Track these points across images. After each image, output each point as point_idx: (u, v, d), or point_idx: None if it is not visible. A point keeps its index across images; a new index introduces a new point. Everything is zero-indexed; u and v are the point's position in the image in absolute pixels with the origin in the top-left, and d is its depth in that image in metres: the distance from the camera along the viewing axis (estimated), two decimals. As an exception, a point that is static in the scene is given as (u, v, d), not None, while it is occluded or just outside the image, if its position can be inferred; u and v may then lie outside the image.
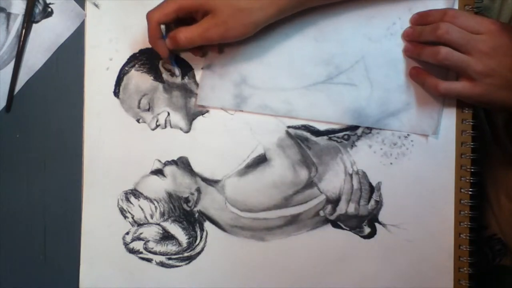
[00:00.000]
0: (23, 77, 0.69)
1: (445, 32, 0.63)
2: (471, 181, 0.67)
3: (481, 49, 0.63)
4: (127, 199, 0.69)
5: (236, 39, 0.63)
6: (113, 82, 0.69)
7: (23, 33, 0.69)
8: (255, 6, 0.61)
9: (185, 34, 0.63)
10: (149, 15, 0.63)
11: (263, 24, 0.63)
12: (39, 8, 0.69)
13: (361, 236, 0.69)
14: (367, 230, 0.69)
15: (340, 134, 0.69)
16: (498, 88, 0.63)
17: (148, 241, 0.69)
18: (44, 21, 0.70)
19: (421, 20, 0.67)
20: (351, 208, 0.68)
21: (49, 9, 0.69)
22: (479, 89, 0.64)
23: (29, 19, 0.69)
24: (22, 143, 0.70)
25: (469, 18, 0.64)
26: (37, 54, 0.69)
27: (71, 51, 0.69)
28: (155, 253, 0.69)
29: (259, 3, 0.61)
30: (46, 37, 0.69)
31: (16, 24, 0.69)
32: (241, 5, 0.61)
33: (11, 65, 0.69)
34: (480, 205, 0.69)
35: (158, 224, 0.69)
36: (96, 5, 0.69)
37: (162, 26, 0.65)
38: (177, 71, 0.68)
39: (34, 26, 0.69)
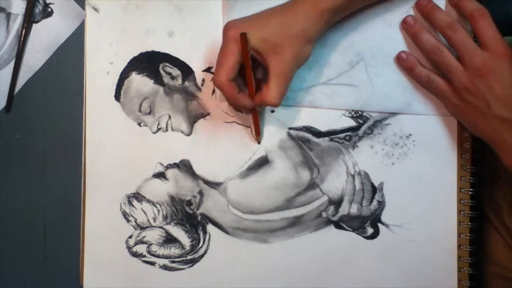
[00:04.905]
0: (23, 77, 0.69)
1: (454, 31, 0.63)
2: (471, 181, 0.68)
3: (474, 62, 0.61)
4: (130, 203, 0.69)
5: (307, 59, 0.63)
6: (114, 86, 0.69)
7: (23, 33, 0.68)
8: (306, 25, 0.60)
9: (272, 94, 0.61)
10: (216, 80, 0.61)
11: (317, 38, 0.62)
12: (39, 8, 0.69)
13: (364, 237, 0.69)
14: (370, 230, 0.69)
15: (342, 135, 0.69)
16: (475, 110, 0.62)
17: (151, 244, 0.69)
18: (44, 21, 0.69)
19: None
20: (354, 209, 0.69)
21: (49, 9, 0.69)
22: (458, 99, 0.63)
23: (29, 19, 0.68)
24: (22, 143, 0.69)
25: (492, 28, 0.62)
26: (37, 54, 0.69)
27: (71, 51, 0.69)
28: (158, 256, 0.69)
29: (308, 22, 0.60)
30: (46, 37, 0.69)
31: (16, 24, 0.69)
32: (293, 31, 0.60)
33: (11, 65, 0.69)
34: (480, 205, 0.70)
35: (161, 227, 0.69)
36: (96, 9, 0.69)
37: None
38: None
39: (34, 26, 0.69)
